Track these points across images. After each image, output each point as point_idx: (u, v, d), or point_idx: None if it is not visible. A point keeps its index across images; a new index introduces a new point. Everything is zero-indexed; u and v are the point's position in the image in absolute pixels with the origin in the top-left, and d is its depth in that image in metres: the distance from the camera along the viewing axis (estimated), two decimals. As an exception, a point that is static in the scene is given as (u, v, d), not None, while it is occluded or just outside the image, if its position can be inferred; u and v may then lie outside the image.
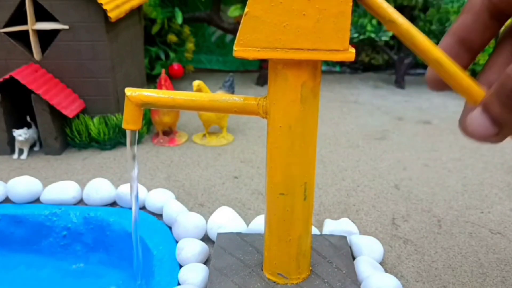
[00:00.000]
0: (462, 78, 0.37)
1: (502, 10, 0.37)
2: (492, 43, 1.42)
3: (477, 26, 0.38)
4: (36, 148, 0.96)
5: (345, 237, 0.63)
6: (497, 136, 0.35)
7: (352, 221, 0.71)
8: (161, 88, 0.96)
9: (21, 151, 0.93)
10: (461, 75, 0.37)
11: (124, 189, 0.74)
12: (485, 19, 0.38)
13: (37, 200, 0.76)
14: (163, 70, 0.98)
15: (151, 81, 1.33)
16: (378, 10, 0.38)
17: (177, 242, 0.66)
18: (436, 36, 1.33)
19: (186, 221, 0.66)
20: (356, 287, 0.54)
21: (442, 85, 0.41)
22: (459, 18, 0.39)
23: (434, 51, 0.37)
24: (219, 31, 1.51)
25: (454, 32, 0.39)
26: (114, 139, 0.97)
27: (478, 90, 0.36)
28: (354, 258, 0.62)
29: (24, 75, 0.88)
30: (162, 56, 1.37)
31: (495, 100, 0.34)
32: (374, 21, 1.36)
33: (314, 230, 0.66)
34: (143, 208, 0.74)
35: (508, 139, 0.37)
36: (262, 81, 1.42)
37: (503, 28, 0.39)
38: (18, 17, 0.92)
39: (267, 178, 0.50)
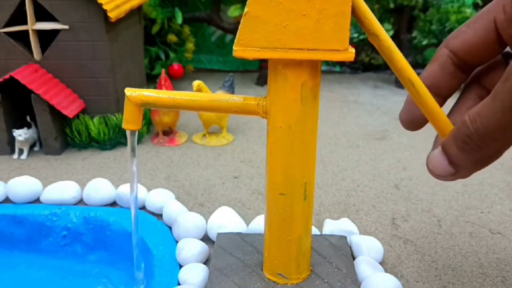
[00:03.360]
0: (432, 103, 0.39)
1: (466, 62, 0.40)
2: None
3: (444, 75, 0.41)
4: (36, 148, 0.96)
5: (345, 237, 0.63)
6: (454, 175, 0.37)
7: (352, 221, 0.71)
8: (161, 88, 0.96)
9: (21, 151, 0.93)
10: (431, 99, 0.39)
11: (124, 189, 0.74)
12: (450, 70, 0.40)
13: (37, 200, 0.76)
14: (163, 70, 0.98)
15: (151, 81, 1.33)
16: (365, 22, 0.39)
17: (177, 242, 0.66)
18: (436, 36, 1.33)
19: (186, 221, 0.66)
20: (356, 287, 0.54)
21: (415, 124, 0.43)
22: (428, 67, 0.42)
23: (409, 71, 0.39)
24: (219, 31, 1.51)
25: (423, 79, 0.41)
26: (114, 139, 0.97)
27: (447, 122, 0.38)
28: (354, 258, 0.62)
29: (24, 75, 0.88)
30: (162, 56, 1.37)
31: (452, 143, 0.36)
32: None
33: (314, 230, 0.66)
34: (143, 208, 0.75)
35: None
36: (262, 81, 1.42)
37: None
38: (18, 17, 0.92)
39: (267, 178, 0.50)
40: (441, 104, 0.41)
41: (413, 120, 0.43)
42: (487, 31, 0.37)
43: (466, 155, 0.35)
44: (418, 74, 0.40)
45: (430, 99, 0.38)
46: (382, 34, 0.39)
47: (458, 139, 0.35)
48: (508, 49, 0.39)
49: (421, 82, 0.38)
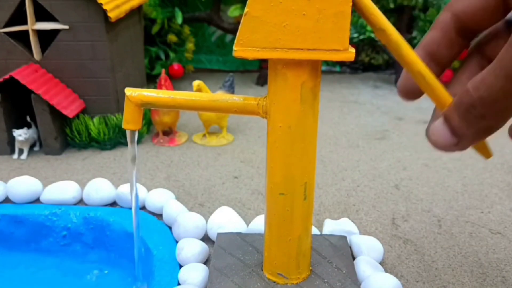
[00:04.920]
0: (439, 89, 0.39)
1: (468, 28, 0.39)
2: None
3: (445, 41, 0.40)
4: (36, 148, 0.96)
5: (345, 237, 0.63)
6: (457, 146, 0.36)
7: (352, 221, 0.71)
8: (161, 88, 0.96)
9: (21, 151, 0.93)
10: (438, 86, 0.39)
11: (124, 189, 0.74)
12: (452, 36, 0.40)
13: (37, 200, 0.76)
14: (163, 70, 0.98)
15: (151, 81, 1.33)
16: (370, 17, 0.39)
17: (177, 242, 0.66)
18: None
19: (186, 221, 0.66)
20: (356, 287, 0.54)
21: (413, 95, 0.43)
22: (429, 33, 0.41)
23: (419, 64, 0.39)
24: (219, 31, 1.51)
25: (423, 46, 0.41)
26: (114, 139, 0.97)
27: (446, 95, 0.38)
28: (354, 258, 0.62)
29: (24, 75, 0.88)
30: (162, 56, 1.37)
31: (454, 113, 0.35)
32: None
33: (314, 230, 0.66)
34: (143, 208, 0.75)
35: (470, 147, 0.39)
36: (262, 81, 1.42)
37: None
38: (18, 17, 0.92)
39: (267, 178, 0.50)
40: (439, 74, 0.40)
41: (411, 89, 0.43)
42: None
43: (469, 124, 0.34)
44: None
45: (437, 85, 0.38)
46: (389, 28, 0.39)
47: (460, 108, 0.34)
48: (510, 16, 0.38)
49: (432, 75, 0.38)
